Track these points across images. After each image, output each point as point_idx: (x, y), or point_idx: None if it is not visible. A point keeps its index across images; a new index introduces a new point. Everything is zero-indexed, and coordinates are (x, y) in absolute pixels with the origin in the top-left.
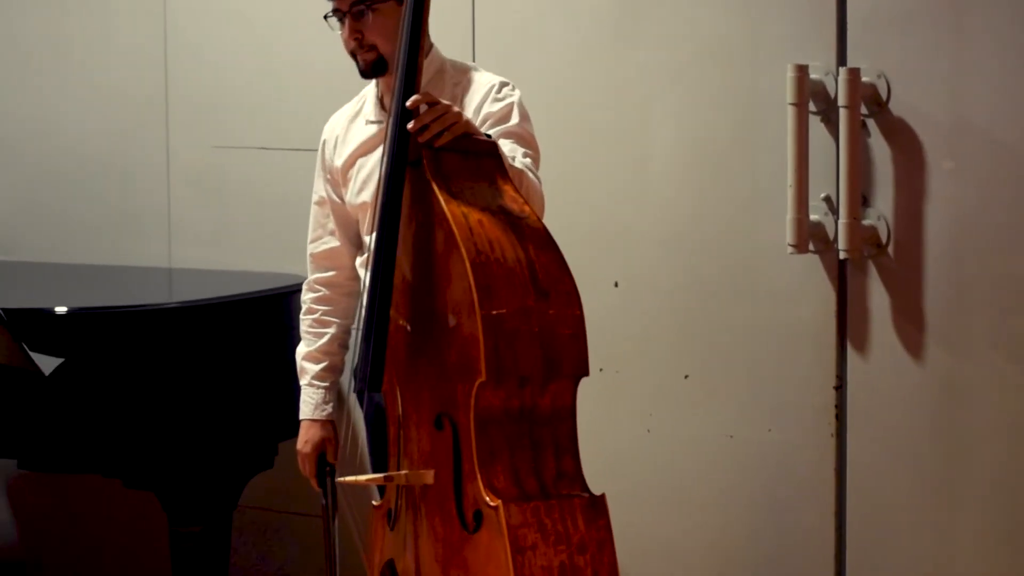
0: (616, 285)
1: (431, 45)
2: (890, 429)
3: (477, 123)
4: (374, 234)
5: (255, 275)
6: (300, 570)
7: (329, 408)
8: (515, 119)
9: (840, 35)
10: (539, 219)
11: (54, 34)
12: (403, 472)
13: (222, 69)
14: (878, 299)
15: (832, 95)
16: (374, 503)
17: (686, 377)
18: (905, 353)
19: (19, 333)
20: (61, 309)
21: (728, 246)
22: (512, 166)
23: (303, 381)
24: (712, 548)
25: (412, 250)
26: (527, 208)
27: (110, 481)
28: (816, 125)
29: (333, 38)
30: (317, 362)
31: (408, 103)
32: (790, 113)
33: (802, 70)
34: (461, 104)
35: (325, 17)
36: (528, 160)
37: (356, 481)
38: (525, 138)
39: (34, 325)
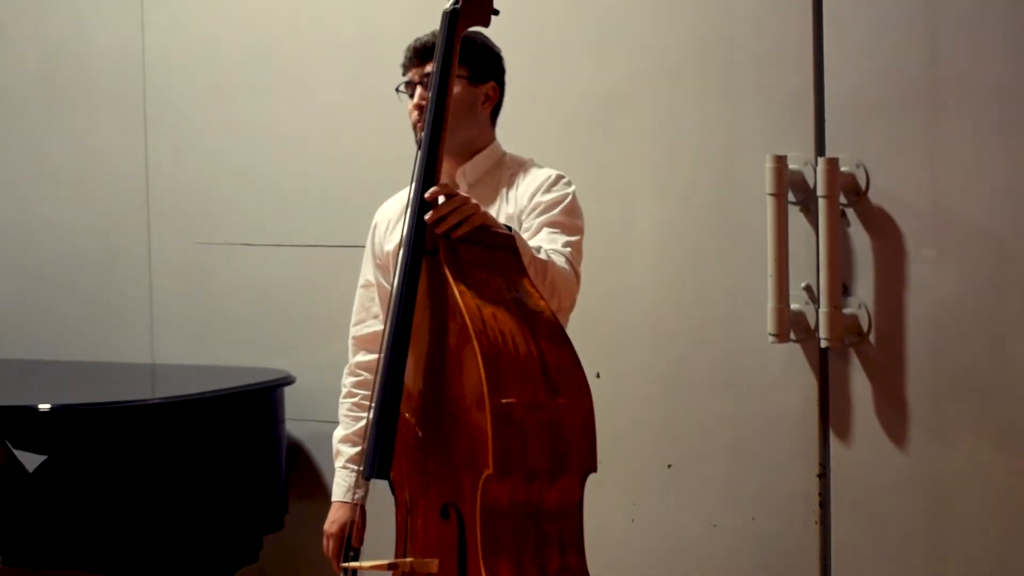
0: (598, 376)
1: (493, 137)
2: (874, 517)
3: (527, 209)
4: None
5: (238, 370)
6: None
7: (361, 492)
8: (561, 210)
9: (818, 125)
10: (554, 315)
11: (36, 129)
12: (408, 560)
13: (203, 165)
14: (860, 387)
15: (811, 185)
16: None
17: (669, 467)
18: (888, 441)
19: (3, 430)
20: (44, 406)
21: (709, 336)
22: (536, 257)
23: (338, 464)
24: None
25: (426, 339)
26: (542, 303)
27: None
28: (795, 215)
29: (315, 137)
30: (353, 444)
31: (427, 195)
32: (769, 203)
33: (781, 160)
34: (516, 192)
35: (397, 90)
36: (567, 250)
37: (360, 567)
38: (569, 228)
39: (18, 422)
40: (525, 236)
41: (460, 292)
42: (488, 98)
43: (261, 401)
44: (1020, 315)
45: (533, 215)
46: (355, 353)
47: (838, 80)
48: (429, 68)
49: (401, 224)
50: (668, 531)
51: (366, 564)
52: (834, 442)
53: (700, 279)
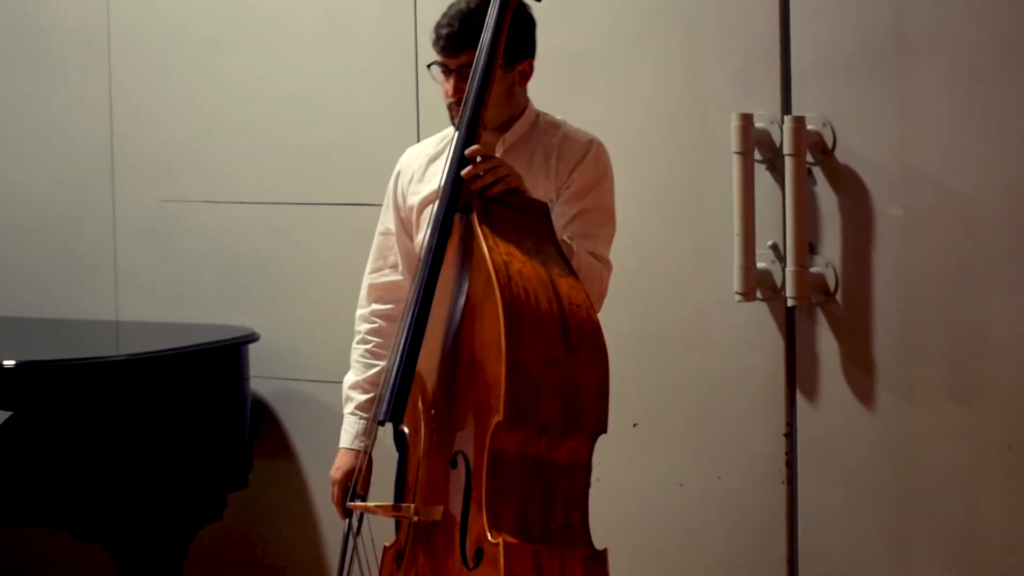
0: None
1: (527, 100)
2: (841, 476)
3: (568, 183)
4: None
5: (203, 327)
6: None
7: (367, 440)
8: (597, 192)
9: (784, 84)
10: (578, 280)
11: None
12: (412, 504)
13: (167, 122)
14: (827, 346)
15: (777, 144)
16: (386, 544)
17: (635, 425)
18: (855, 400)
19: None
20: (9, 362)
21: (676, 295)
22: (565, 241)
23: (347, 409)
24: None
25: (449, 295)
26: (569, 269)
27: (58, 534)
28: (762, 174)
29: (279, 92)
30: (364, 392)
31: (467, 151)
32: (735, 162)
33: (747, 119)
34: (556, 163)
35: (428, 66)
36: (600, 252)
37: (365, 508)
38: (601, 212)
39: None
40: (561, 221)
41: (488, 248)
42: (524, 75)
43: (225, 358)
44: (987, 274)
45: (571, 189)
46: (371, 300)
47: (804, 38)
48: (464, 59)
49: (427, 178)
50: (634, 490)
51: (371, 504)
52: (801, 401)
53: (666, 238)
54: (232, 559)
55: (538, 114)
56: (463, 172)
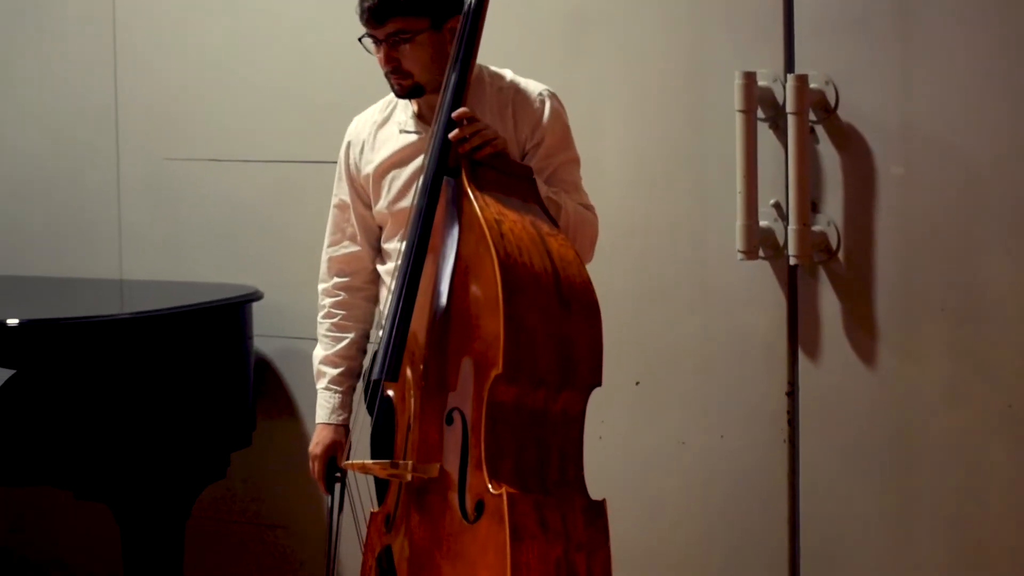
0: None
1: None
2: (842, 434)
3: (535, 140)
4: (406, 235)
5: (207, 286)
6: None
7: (345, 414)
8: (565, 146)
9: (787, 42)
10: (567, 239)
11: (1, 46)
12: (409, 461)
13: (172, 80)
14: (829, 305)
15: (780, 102)
16: (372, 510)
17: (637, 384)
18: (856, 359)
19: None
20: (12, 321)
21: (678, 253)
22: (550, 197)
23: (320, 385)
24: (664, 554)
25: (436, 257)
26: (557, 229)
27: (62, 493)
28: (764, 132)
29: (280, 52)
30: (335, 366)
31: (454, 114)
32: (738, 120)
33: (750, 77)
34: (511, 114)
35: (360, 39)
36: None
37: (362, 466)
38: (573, 163)
39: None
40: (540, 178)
41: (480, 207)
42: (454, 32)
43: (229, 317)
44: (990, 233)
45: (539, 152)
46: (332, 275)
47: None
48: (390, 28)
49: (377, 146)
50: (636, 449)
51: (368, 462)
52: (803, 360)
53: (669, 196)
54: (235, 517)
55: (482, 68)
56: (451, 135)
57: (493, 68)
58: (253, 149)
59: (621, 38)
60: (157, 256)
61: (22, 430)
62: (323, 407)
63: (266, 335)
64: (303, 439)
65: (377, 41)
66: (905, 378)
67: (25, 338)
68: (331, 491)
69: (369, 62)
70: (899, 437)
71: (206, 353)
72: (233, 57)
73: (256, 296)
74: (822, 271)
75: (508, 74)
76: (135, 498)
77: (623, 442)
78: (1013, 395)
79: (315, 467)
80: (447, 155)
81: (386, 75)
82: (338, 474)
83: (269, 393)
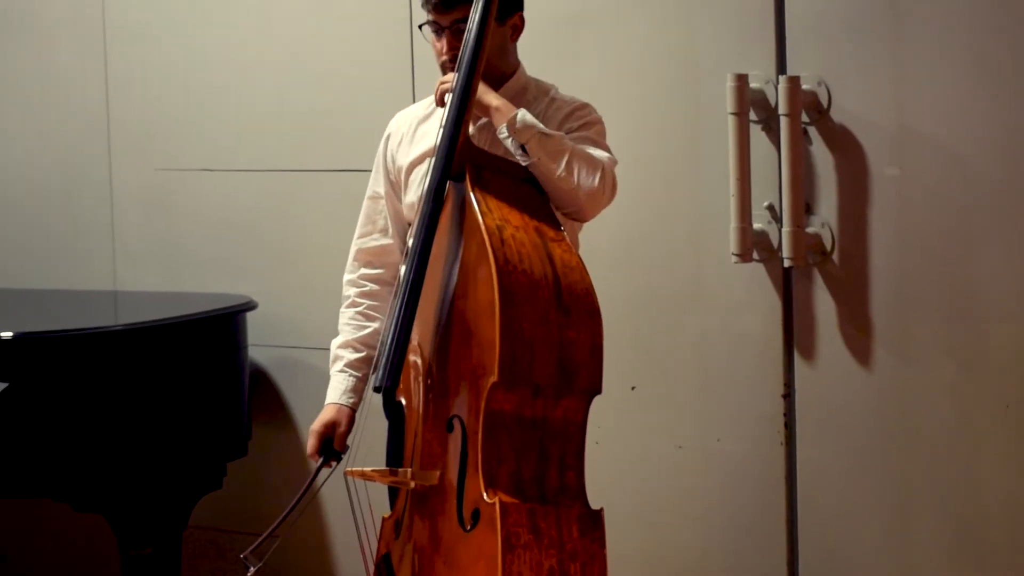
0: None
1: (518, 63)
2: (839, 436)
3: (565, 129)
4: (410, 239)
5: (201, 296)
6: None
7: (356, 398)
8: (594, 131)
9: (779, 43)
10: (571, 245)
11: None
12: (408, 469)
13: (164, 91)
14: (824, 307)
15: (772, 104)
16: (384, 516)
17: (633, 388)
18: (852, 360)
19: None
20: (6, 334)
21: (672, 257)
22: (547, 134)
23: (335, 368)
24: (663, 558)
25: (442, 262)
26: (562, 234)
27: (59, 505)
28: (757, 134)
29: (273, 61)
30: (355, 351)
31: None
32: (731, 123)
33: (742, 79)
34: (544, 122)
35: (420, 26)
36: (598, 151)
37: (362, 474)
38: (597, 142)
39: None
40: None
41: (482, 213)
42: (515, 29)
43: (224, 327)
44: (983, 233)
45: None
46: (360, 266)
47: None
48: (456, 15)
49: (416, 140)
50: (633, 453)
51: (368, 470)
52: (798, 362)
53: (662, 199)
54: (231, 528)
55: (528, 79)
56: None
57: (542, 82)
58: (246, 159)
59: (612, 41)
60: (151, 267)
61: (17, 443)
62: (335, 388)
63: (261, 345)
64: (299, 448)
65: (440, 29)
66: (901, 379)
67: (19, 351)
68: (320, 467)
69: (362, 73)
70: (896, 437)
71: (201, 364)
72: (225, 67)
73: (250, 306)
74: (817, 273)
75: (553, 88)
76: (131, 509)
77: (619, 447)
78: (1010, 395)
79: (311, 442)
80: (451, 160)
81: (441, 65)
82: (333, 461)
83: (264, 403)
